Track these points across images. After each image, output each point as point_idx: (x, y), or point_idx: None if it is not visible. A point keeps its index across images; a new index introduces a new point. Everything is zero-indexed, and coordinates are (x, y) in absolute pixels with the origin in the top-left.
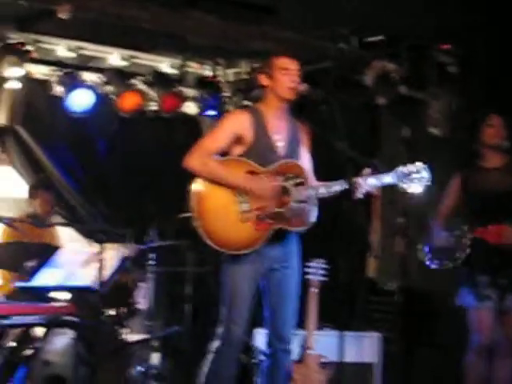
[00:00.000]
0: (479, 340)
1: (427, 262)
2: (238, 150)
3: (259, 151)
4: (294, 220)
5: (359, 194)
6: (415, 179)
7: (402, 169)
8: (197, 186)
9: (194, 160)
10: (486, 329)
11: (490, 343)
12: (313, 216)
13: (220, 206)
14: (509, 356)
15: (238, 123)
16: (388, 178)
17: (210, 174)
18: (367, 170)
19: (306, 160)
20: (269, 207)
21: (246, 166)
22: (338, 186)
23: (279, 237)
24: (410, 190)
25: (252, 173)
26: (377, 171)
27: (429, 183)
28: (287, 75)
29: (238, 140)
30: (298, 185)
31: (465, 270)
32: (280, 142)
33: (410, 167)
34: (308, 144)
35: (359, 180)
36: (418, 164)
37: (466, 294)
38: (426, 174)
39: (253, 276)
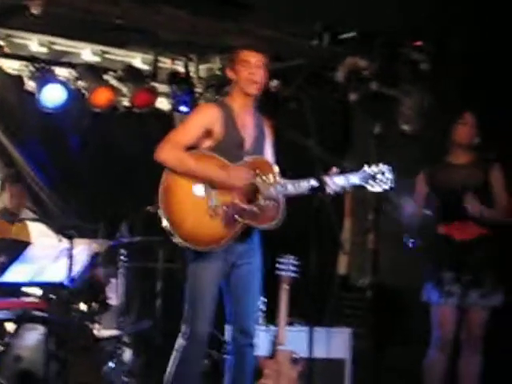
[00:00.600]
0: (441, 336)
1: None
2: (206, 143)
3: (227, 146)
4: (261, 217)
5: (329, 191)
6: (379, 180)
7: (367, 169)
8: (166, 178)
9: (165, 152)
10: (448, 325)
11: (451, 339)
12: (280, 213)
13: (188, 200)
14: (474, 353)
15: (208, 117)
16: (354, 178)
17: (181, 165)
18: (334, 170)
19: (269, 155)
20: (238, 203)
21: (215, 161)
22: (306, 184)
23: (245, 233)
24: (373, 190)
25: (222, 168)
26: (344, 170)
27: (392, 185)
28: (247, 68)
29: (208, 134)
30: (265, 182)
31: (429, 265)
32: (247, 136)
33: (375, 168)
34: (272, 139)
35: (326, 178)
36: (383, 165)
37: (430, 290)
38: (389, 176)
39: (217, 273)
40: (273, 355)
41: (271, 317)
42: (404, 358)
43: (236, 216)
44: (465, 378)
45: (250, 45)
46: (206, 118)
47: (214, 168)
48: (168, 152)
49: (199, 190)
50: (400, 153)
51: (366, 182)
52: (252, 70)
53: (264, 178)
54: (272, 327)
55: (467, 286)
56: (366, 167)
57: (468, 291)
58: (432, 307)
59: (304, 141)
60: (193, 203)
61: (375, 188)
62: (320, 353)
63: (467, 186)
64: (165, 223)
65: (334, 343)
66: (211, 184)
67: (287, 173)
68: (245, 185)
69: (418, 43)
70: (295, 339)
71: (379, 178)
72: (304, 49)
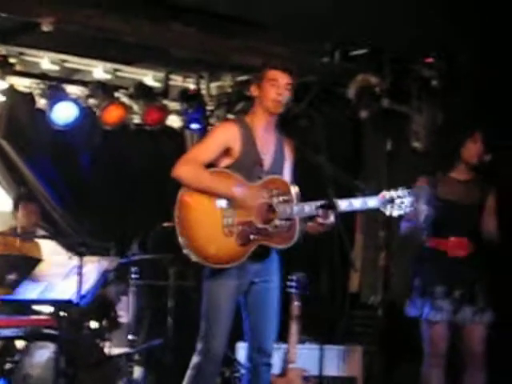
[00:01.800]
0: (433, 352)
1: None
2: (225, 162)
3: (246, 165)
4: (277, 237)
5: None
6: (397, 205)
7: (386, 194)
8: (183, 195)
9: (183, 169)
10: (440, 341)
11: (444, 355)
12: (296, 234)
13: (204, 217)
14: (478, 369)
15: (227, 135)
16: (372, 202)
17: (198, 182)
18: None
19: (287, 176)
20: (253, 223)
21: (233, 180)
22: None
23: (261, 253)
24: (391, 215)
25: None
26: (361, 193)
27: (411, 209)
28: (275, 87)
29: (226, 152)
30: (282, 202)
31: (420, 280)
32: (266, 156)
33: (394, 193)
34: (292, 160)
35: (343, 201)
36: (402, 190)
37: (420, 304)
38: (408, 201)
39: (233, 291)
40: (284, 373)
41: (282, 335)
42: (415, 375)
43: (251, 236)
44: None
45: (281, 65)
46: (225, 136)
47: (230, 186)
48: (185, 168)
49: (215, 208)
50: (411, 170)
51: (384, 207)
52: (280, 90)
53: (281, 198)
54: (283, 345)
55: (460, 301)
56: (385, 192)
57: (461, 306)
58: (423, 323)
59: (315, 158)
60: (208, 221)
61: (392, 212)
62: (331, 371)
63: (465, 203)
64: (180, 240)
65: (346, 361)
66: (227, 202)
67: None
68: (259, 204)
69: (429, 60)
70: (306, 357)
71: (397, 202)
72: (315, 66)
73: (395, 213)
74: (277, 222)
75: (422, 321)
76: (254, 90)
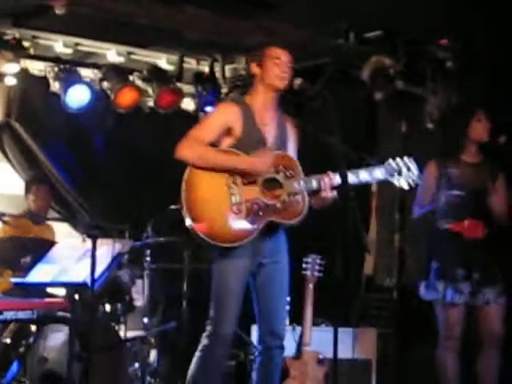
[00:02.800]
0: (448, 334)
1: None
2: (226, 142)
3: (248, 144)
4: (285, 213)
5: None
6: (405, 175)
7: (392, 163)
8: (188, 176)
9: (184, 148)
10: (457, 323)
11: (459, 338)
12: (304, 209)
13: (211, 197)
14: (494, 352)
15: (227, 115)
16: (378, 172)
17: (202, 159)
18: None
19: (292, 152)
20: (261, 199)
21: (235, 155)
22: (328, 180)
23: (270, 231)
24: (399, 186)
25: None
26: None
27: (418, 179)
28: (278, 65)
29: (227, 132)
30: (289, 177)
31: (439, 263)
32: (268, 133)
33: (400, 162)
34: (296, 138)
35: (350, 173)
36: (408, 159)
37: (441, 287)
38: (415, 170)
39: (242, 271)
40: (298, 356)
41: (296, 317)
42: (430, 358)
43: (260, 212)
44: (484, 378)
45: (282, 44)
46: (225, 116)
47: (237, 157)
48: (187, 148)
49: (222, 186)
50: (426, 151)
51: (392, 176)
52: (284, 67)
53: (287, 173)
54: (297, 327)
55: (479, 283)
56: (390, 160)
57: (480, 289)
58: (440, 305)
59: (328, 139)
60: (216, 200)
61: (401, 183)
62: (346, 353)
63: (475, 186)
64: (188, 222)
65: (360, 344)
66: (234, 180)
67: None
68: (270, 169)
69: (444, 41)
70: (321, 340)
71: (405, 172)
72: (329, 48)
73: (404, 184)
74: (285, 197)
75: (438, 303)
76: (255, 69)
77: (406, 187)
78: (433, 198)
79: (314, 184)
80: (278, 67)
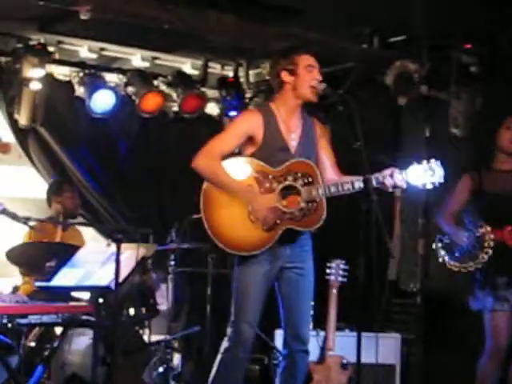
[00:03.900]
0: (494, 344)
1: (446, 258)
2: (250, 150)
3: (270, 151)
4: (303, 220)
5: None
6: (429, 177)
7: (416, 166)
8: (207, 185)
9: (200, 161)
10: (502, 332)
11: (504, 347)
12: (323, 215)
13: (229, 205)
14: None
15: (248, 123)
16: (401, 176)
17: (212, 176)
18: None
19: (324, 156)
20: (278, 207)
21: (256, 166)
22: (349, 186)
23: (290, 237)
24: (423, 187)
25: (261, 173)
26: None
27: (442, 180)
28: (312, 73)
29: (250, 140)
30: (307, 184)
31: (481, 272)
32: (293, 140)
33: (425, 165)
34: (326, 138)
35: (374, 177)
36: (433, 161)
37: (482, 296)
38: (440, 172)
39: (263, 276)
40: (322, 360)
41: (320, 322)
42: (453, 363)
43: (277, 220)
44: None
45: (311, 49)
46: (246, 125)
47: (242, 189)
48: (202, 161)
49: None
50: (450, 156)
51: (416, 179)
52: (317, 75)
53: (305, 180)
54: (321, 332)
55: None
56: (415, 163)
57: None
58: (485, 314)
59: (353, 143)
60: (233, 209)
61: (425, 183)
62: (369, 358)
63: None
64: (207, 229)
65: (384, 349)
66: (251, 188)
67: None
68: (268, 212)
69: (469, 46)
70: (344, 344)
71: (429, 174)
72: (353, 52)
73: (427, 185)
74: (302, 204)
75: (484, 313)
76: (285, 76)
77: (429, 187)
78: (461, 209)
79: (333, 190)
80: (311, 75)
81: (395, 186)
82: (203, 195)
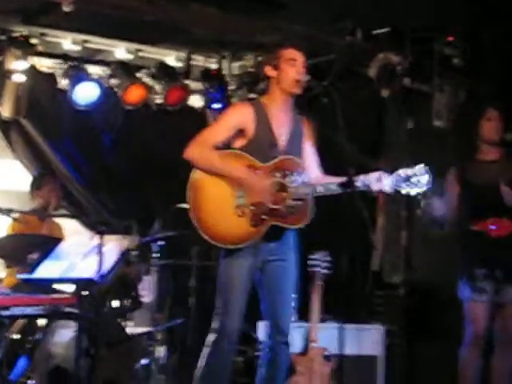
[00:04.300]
0: (473, 332)
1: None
2: (239, 143)
3: (260, 145)
4: (290, 217)
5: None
6: (413, 183)
7: (401, 172)
8: (195, 176)
9: (193, 150)
10: (480, 321)
11: (484, 336)
12: (309, 214)
13: (216, 198)
14: (507, 349)
15: (240, 116)
16: (388, 181)
17: (207, 164)
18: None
19: (309, 154)
20: (265, 203)
21: (245, 161)
22: (334, 187)
23: (275, 232)
24: (409, 194)
25: (250, 167)
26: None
27: (429, 186)
28: (294, 67)
29: (240, 133)
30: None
31: (462, 262)
32: (282, 136)
33: (410, 170)
34: (312, 138)
35: (360, 181)
36: (419, 167)
37: (462, 286)
38: (426, 178)
39: (247, 270)
40: (305, 352)
41: (303, 313)
42: (436, 354)
43: (263, 216)
44: (497, 376)
45: (295, 43)
46: (238, 117)
47: (238, 169)
48: (195, 151)
49: (227, 188)
50: (432, 148)
51: (399, 186)
52: (299, 69)
53: (293, 178)
54: (304, 324)
55: (500, 282)
56: (400, 171)
57: (503, 287)
58: (464, 303)
59: (335, 137)
60: (220, 202)
61: (409, 191)
62: (352, 350)
63: (497, 183)
64: (193, 220)
65: (367, 340)
66: (239, 183)
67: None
68: (270, 185)
69: (451, 38)
70: (327, 336)
71: (414, 180)
72: (337, 45)
73: (412, 191)
74: (289, 201)
75: (464, 302)
76: (269, 71)
77: (412, 194)
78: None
79: (319, 189)
80: (293, 68)
81: (381, 191)
82: (191, 186)
